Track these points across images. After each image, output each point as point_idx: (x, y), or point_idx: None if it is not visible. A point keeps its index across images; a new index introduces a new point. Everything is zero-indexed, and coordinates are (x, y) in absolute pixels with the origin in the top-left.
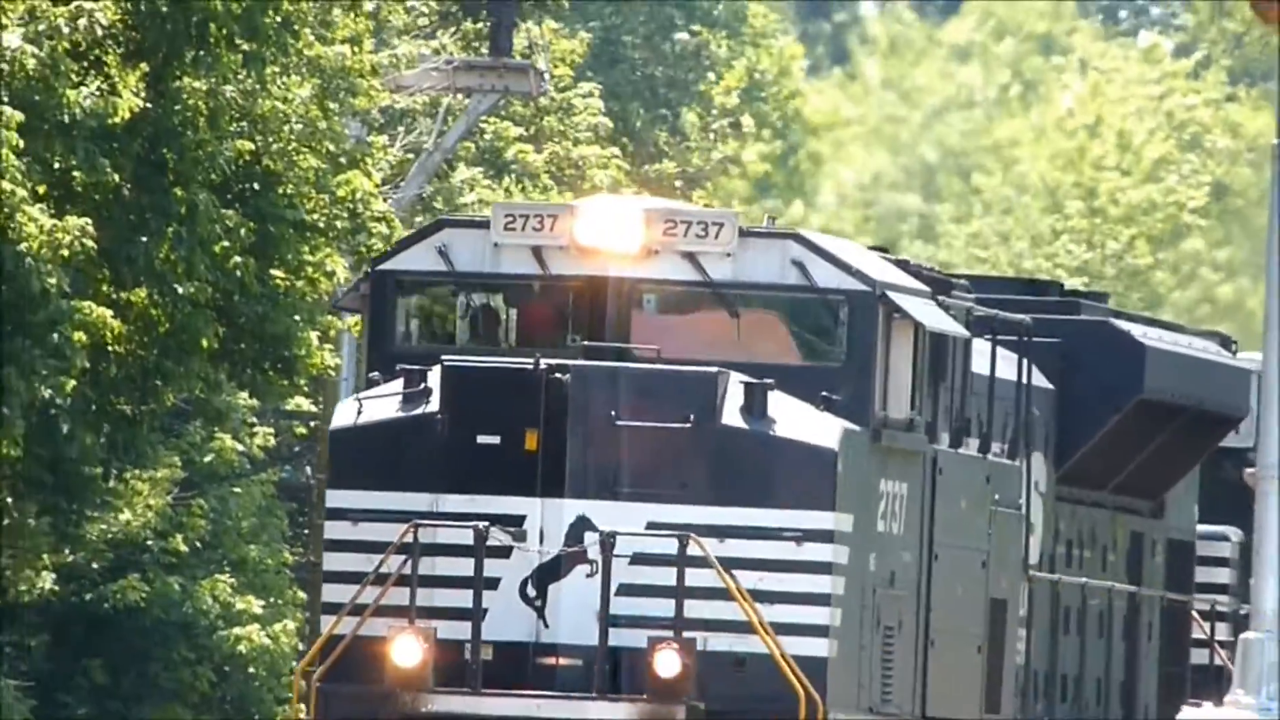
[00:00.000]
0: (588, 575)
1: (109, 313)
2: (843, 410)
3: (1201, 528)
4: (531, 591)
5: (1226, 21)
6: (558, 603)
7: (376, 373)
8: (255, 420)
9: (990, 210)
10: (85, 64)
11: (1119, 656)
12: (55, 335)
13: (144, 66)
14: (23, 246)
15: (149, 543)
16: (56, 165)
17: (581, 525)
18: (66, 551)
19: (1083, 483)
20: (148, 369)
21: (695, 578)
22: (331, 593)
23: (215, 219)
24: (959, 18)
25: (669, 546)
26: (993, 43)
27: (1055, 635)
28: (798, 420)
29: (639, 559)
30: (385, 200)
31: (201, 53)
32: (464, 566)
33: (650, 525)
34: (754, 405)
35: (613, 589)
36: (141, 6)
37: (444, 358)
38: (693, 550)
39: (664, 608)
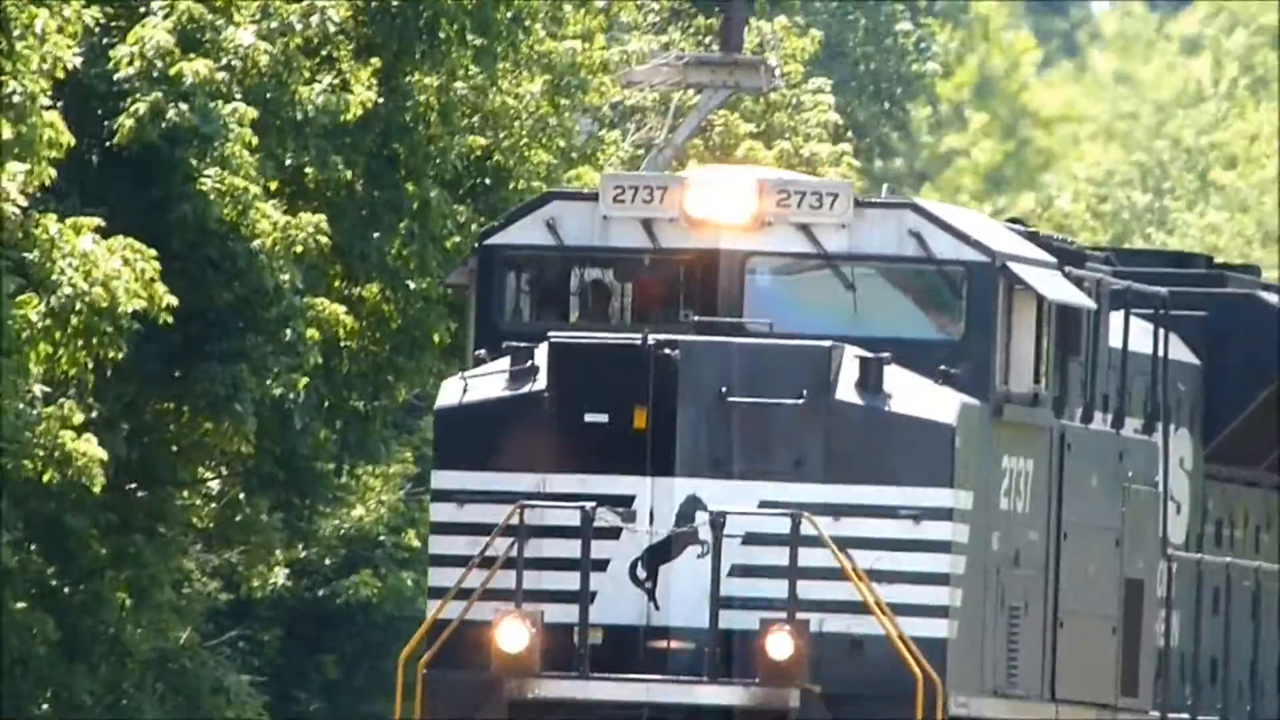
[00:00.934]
0: (699, 556)
1: (341, 309)
2: (962, 384)
3: None
4: (641, 573)
5: None
6: (668, 584)
7: (483, 350)
8: None
9: (1226, 206)
10: (317, 60)
11: (1272, 640)
12: (288, 331)
13: (375, 62)
14: (256, 243)
15: (381, 538)
16: (288, 162)
17: (692, 505)
18: (299, 547)
19: (1234, 460)
20: (380, 364)
21: (809, 558)
22: (438, 576)
23: (447, 214)
24: (1189, 10)
25: (782, 526)
26: (1224, 36)
27: (1200, 617)
28: (915, 395)
29: (751, 539)
30: None
31: (432, 48)
32: (572, 548)
33: (763, 504)
34: (869, 380)
35: (724, 570)
36: (373, 3)
37: (551, 334)
38: (806, 529)
39: (777, 589)
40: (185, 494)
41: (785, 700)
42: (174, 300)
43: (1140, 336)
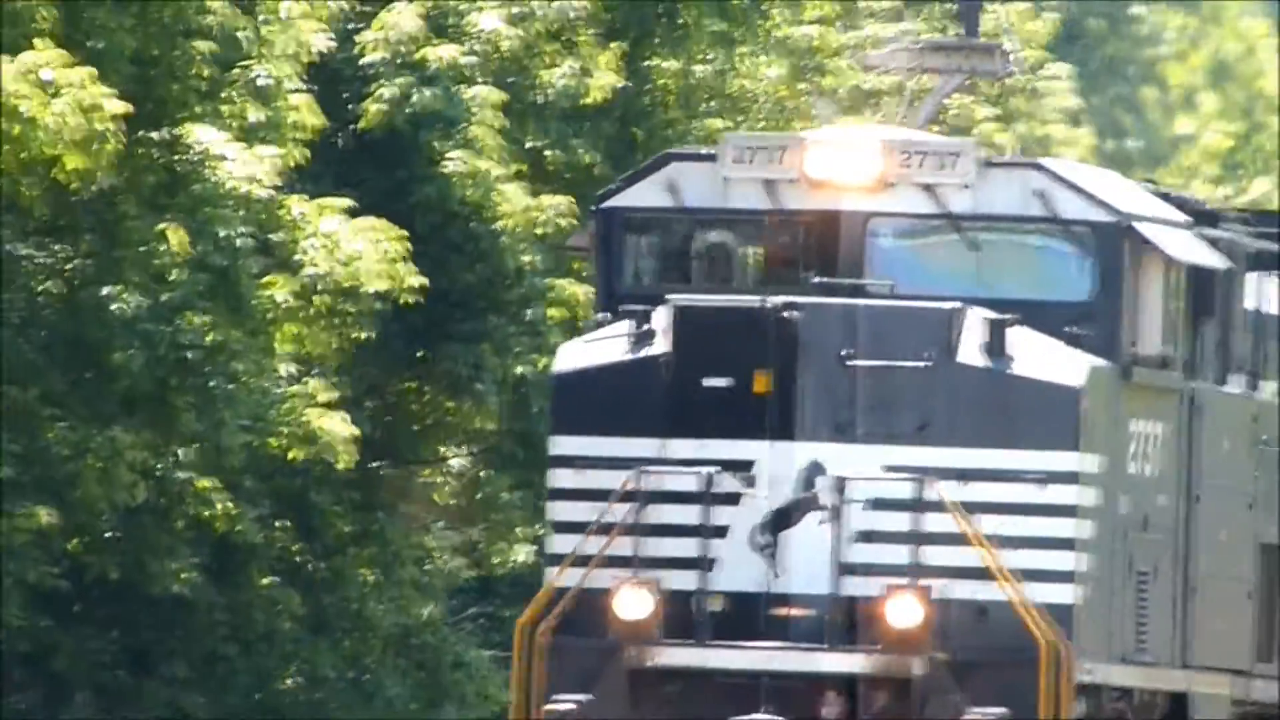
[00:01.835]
0: (820, 522)
1: (582, 289)
2: (1089, 346)
3: None
4: (762, 539)
5: None
6: (789, 550)
7: (605, 314)
8: None
9: None
10: (559, 45)
11: None
12: (529, 312)
13: (616, 47)
14: (499, 225)
15: None
16: (529, 145)
17: (814, 470)
18: (539, 525)
19: None
20: None
21: (933, 523)
22: (558, 543)
23: None
24: None
25: (906, 491)
26: None
27: None
28: (1040, 357)
29: (874, 504)
30: None
31: (672, 33)
32: (691, 514)
33: (886, 468)
34: (995, 342)
35: (847, 535)
36: None
37: (670, 296)
38: (930, 494)
39: (901, 554)
40: (428, 472)
41: (909, 668)
42: (418, 281)
43: (1278, 298)
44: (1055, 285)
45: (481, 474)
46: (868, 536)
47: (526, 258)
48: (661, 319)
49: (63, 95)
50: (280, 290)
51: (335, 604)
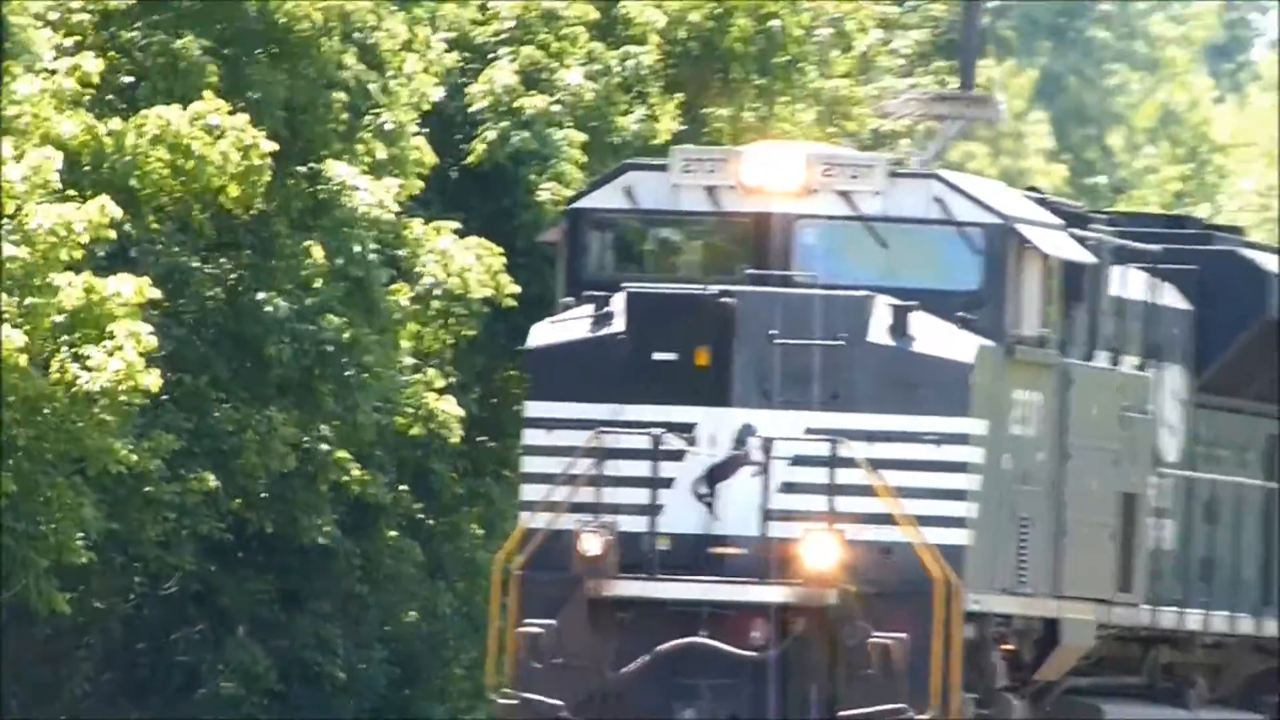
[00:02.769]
0: (752, 475)
1: None
2: (978, 329)
3: None
4: (702, 489)
5: None
6: (725, 499)
7: (571, 298)
8: None
9: None
10: (631, 96)
11: (1252, 544)
12: None
13: (679, 97)
14: None
15: None
16: None
17: (746, 431)
18: None
19: (1221, 391)
20: None
21: (846, 476)
22: (529, 492)
23: None
24: None
25: (823, 449)
26: None
27: (1190, 526)
28: (937, 338)
29: (796, 460)
30: None
31: (725, 86)
32: (642, 468)
33: (807, 430)
34: (899, 325)
35: (773, 487)
36: (676, 49)
37: (626, 284)
38: (843, 452)
39: (818, 503)
40: None
41: (825, 598)
42: (515, 288)
43: (1138, 287)
44: (949, 277)
45: None
46: (790, 488)
47: None
48: (618, 303)
49: (226, 136)
50: (403, 296)
51: (450, 553)
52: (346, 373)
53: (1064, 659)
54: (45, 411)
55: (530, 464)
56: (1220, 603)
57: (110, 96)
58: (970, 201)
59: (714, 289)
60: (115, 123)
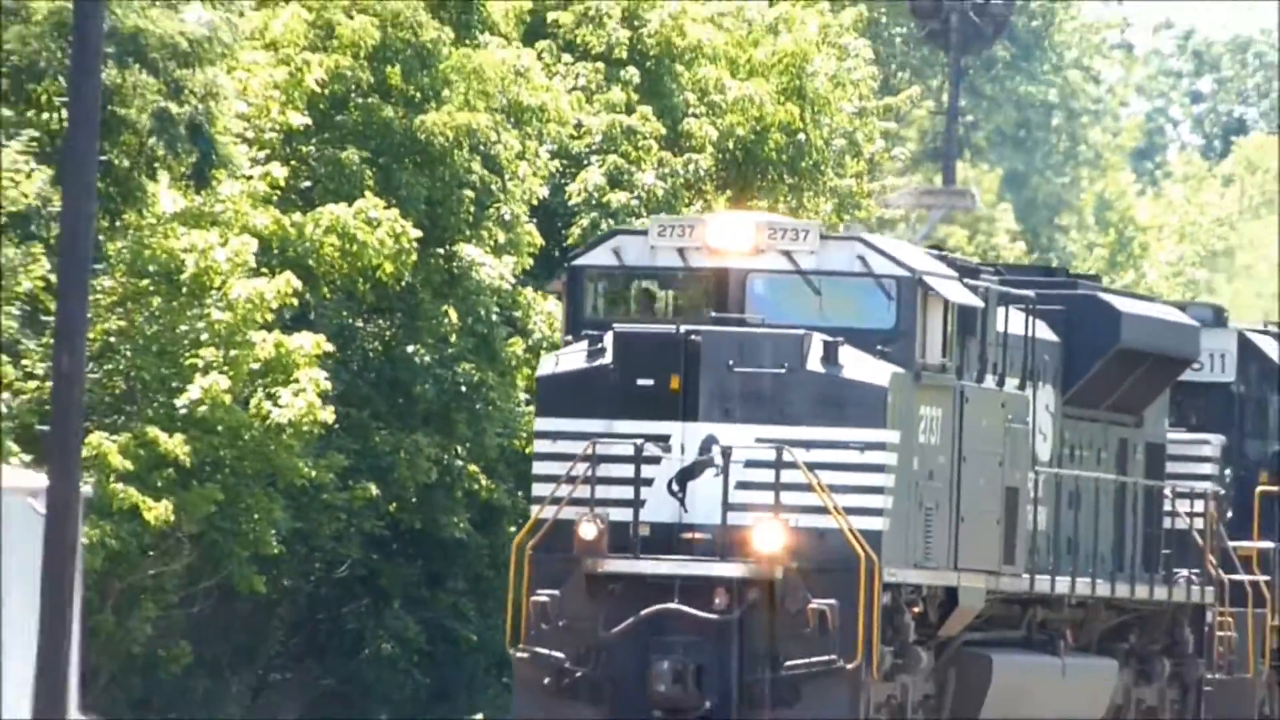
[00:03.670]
0: (714, 475)
1: None
2: (892, 359)
3: (1188, 435)
4: (675, 487)
5: None
6: (694, 495)
7: (570, 336)
8: None
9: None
10: (692, 192)
11: (1107, 525)
12: None
13: (728, 193)
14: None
15: None
16: None
17: (709, 441)
18: None
19: (1083, 405)
20: None
21: (789, 476)
22: (538, 489)
23: None
24: (1232, 155)
25: (771, 455)
26: (1246, 174)
27: (1059, 512)
28: (861, 366)
29: (749, 464)
30: None
31: (763, 184)
32: (628, 471)
33: (757, 440)
34: (830, 356)
35: (732, 485)
36: (726, 157)
37: (615, 325)
38: (787, 457)
39: (767, 498)
40: None
41: (773, 573)
42: None
43: (1017, 324)
44: (870, 318)
45: None
46: (745, 486)
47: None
48: (609, 340)
49: (381, 226)
50: (518, 347)
51: None
52: (476, 406)
53: (961, 618)
54: (245, 438)
55: (540, 467)
56: (1082, 571)
57: (293, 196)
58: (886, 258)
59: (684, 329)
60: (297, 216)
